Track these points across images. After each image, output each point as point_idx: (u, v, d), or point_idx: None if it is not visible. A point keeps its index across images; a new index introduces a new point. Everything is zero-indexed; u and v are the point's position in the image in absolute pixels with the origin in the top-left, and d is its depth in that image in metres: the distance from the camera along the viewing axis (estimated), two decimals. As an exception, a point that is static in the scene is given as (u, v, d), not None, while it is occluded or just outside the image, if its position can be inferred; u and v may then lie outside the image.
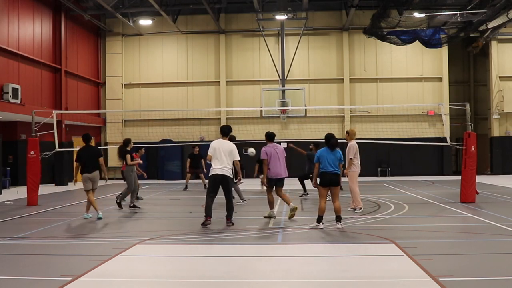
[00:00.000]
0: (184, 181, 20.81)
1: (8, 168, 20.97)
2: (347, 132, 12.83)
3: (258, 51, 28.25)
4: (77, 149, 12.79)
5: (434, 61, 27.92)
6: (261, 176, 15.55)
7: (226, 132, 10.43)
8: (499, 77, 27.94)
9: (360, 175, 12.91)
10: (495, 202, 14.13)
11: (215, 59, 28.44)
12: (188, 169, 19.05)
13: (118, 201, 13.42)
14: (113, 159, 27.85)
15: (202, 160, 18.83)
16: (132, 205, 13.39)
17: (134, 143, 16.13)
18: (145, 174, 15.98)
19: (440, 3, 24.56)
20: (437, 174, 27.14)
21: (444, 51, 27.31)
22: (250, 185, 19.97)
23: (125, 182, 15.13)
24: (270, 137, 11.33)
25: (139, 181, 16.41)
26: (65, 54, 24.64)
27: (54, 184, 22.43)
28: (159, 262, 7.20)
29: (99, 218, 11.20)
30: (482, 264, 6.82)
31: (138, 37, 28.69)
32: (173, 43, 28.77)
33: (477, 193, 13.99)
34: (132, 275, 6.41)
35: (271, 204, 11.17)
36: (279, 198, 11.46)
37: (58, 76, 24.17)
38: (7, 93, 19.24)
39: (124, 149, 13.51)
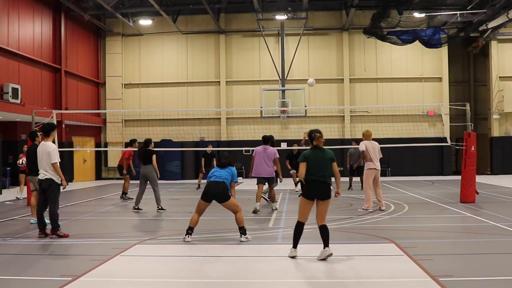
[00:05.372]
0: (186, 181, 20.93)
1: (8, 168, 20.97)
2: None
3: (258, 51, 28.24)
4: (78, 148, 12.65)
5: (434, 61, 27.91)
6: (292, 171, 16.45)
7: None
8: (499, 77, 27.94)
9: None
10: (495, 202, 14.13)
11: (215, 59, 28.43)
12: (202, 168, 19.07)
13: (159, 207, 12.74)
14: (113, 159, 27.86)
15: (214, 159, 19.00)
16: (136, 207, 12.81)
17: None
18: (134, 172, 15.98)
19: (440, 3, 24.55)
20: (437, 174, 27.13)
21: (444, 51, 27.30)
22: (249, 185, 19.94)
23: (123, 178, 15.22)
24: (263, 139, 12.85)
25: (131, 181, 16.46)
26: (65, 54, 24.64)
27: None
28: (159, 262, 7.19)
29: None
30: (482, 264, 6.82)
31: (138, 37, 28.69)
32: (173, 43, 28.77)
33: (477, 193, 13.98)
34: (132, 275, 6.41)
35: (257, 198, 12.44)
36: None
37: (58, 76, 24.18)
38: (7, 93, 19.25)
39: (148, 149, 12.88)
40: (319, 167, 7.14)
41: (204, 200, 8.47)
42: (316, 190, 7.12)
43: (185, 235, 8.40)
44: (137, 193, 13.05)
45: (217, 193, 8.39)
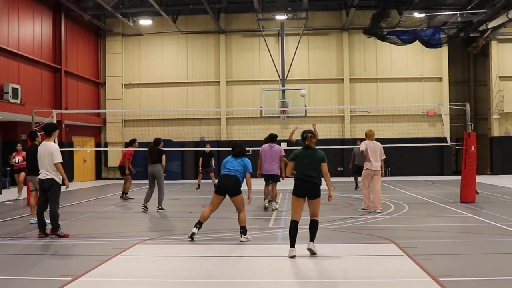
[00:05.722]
0: (183, 181, 20.89)
1: (8, 168, 20.96)
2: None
3: (258, 51, 28.24)
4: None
5: (434, 61, 27.91)
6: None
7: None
8: (499, 77, 27.94)
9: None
10: (495, 202, 14.13)
11: (215, 59, 28.43)
12: (200, 168, 19.04)
13: (159, 207, 12.82)
14: (113, 159, 27.87)
15: (212, 159, 18.98)
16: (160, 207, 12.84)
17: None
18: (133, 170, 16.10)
19: (440, 3, 24.56)
20: (437, 174, 27.13)
21: (444, 51, 27.30)
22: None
23: (124, 179, 15.24)
24: (270, 137, 12.87)
25: (133, 181, 16.51)
26: (65, 54, 24.64)
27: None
28: (159, 262, 7.19)
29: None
30: (482, 264, 6.82)
31: (138, 37, 28.69)
32: (173, 43, 28.77)
33: (477, 193, 13.98)
34: (132, 275, 6.41)
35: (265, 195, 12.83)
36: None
37: (58, 76, 24.17)
38: (7, 93, 19.24)
39: (159, 148, 13.09)
40: (308, 166, 7.23)
41: (217, 193, 8.59)
42: (304, 189, 7.24)
43: (193, 227, 8.52)
44: (146, 192, 13.25)
45: (229, 187, 8.51)
